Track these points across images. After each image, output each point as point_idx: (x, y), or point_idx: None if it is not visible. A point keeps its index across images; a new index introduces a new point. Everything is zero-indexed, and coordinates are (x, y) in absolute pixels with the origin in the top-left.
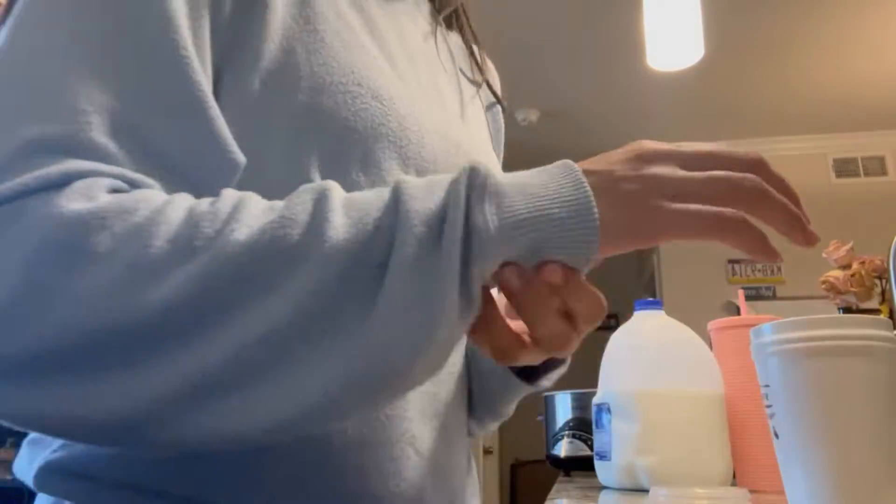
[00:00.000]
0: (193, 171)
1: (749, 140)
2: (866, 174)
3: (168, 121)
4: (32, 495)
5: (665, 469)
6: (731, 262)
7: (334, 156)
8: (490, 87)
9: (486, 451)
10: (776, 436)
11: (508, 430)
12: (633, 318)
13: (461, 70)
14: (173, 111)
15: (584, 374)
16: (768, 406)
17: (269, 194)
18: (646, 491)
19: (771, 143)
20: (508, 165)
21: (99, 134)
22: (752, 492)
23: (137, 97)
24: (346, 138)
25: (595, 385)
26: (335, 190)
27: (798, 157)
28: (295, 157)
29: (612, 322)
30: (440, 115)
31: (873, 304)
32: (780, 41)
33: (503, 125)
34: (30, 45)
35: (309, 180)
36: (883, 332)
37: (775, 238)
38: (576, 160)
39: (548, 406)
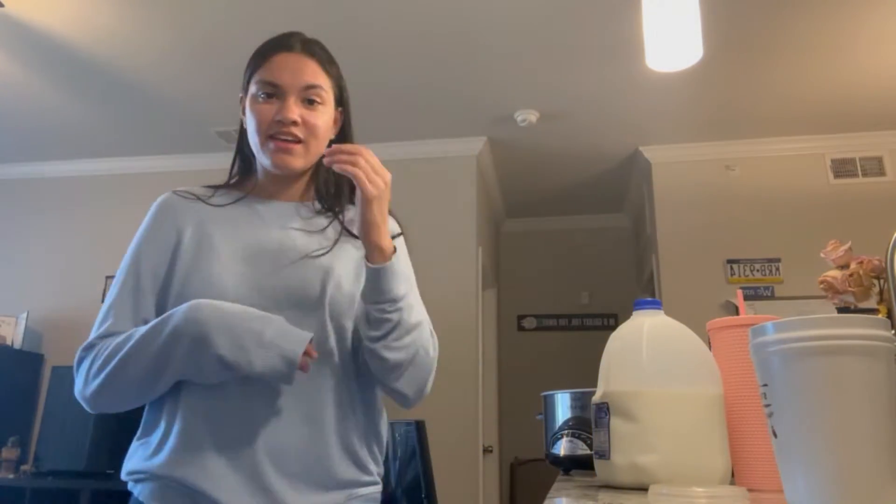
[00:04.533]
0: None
1: (747, 140)
2: (864, 175)
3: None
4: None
5: (664, 468)
6: (730, 261)
7: None
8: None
9: (486, 450)
10: (774, 435)
11: (508, 429)
12: (632, 317)
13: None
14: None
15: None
16: (767, 405)
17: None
18: (645, 489)
19: (769, 144)
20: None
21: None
22: (750, 490)
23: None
24: None
25: (594, 384)
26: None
27: (796, 158)
28: None
29: (612, 322)
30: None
31: (871, 303)
32: (778, 42)
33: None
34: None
35: None
36: (881, 332)
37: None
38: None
39: (547, 405)
